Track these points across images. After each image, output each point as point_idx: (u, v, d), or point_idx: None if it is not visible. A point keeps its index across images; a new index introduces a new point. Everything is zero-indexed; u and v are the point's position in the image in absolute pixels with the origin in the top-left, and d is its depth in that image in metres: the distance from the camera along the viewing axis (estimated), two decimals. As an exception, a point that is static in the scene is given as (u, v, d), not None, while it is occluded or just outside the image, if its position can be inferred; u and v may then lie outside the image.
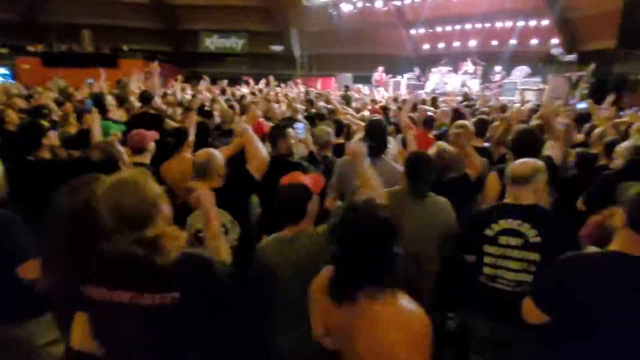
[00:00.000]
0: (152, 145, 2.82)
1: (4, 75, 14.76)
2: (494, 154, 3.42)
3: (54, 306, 1.57)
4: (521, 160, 2.01)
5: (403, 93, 13.34)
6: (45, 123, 2.73)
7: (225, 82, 9.27)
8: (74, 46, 16.11)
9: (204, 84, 6.80)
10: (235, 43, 19.67)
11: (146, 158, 2.78)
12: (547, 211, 1.99)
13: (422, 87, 15.03)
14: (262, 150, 2.32)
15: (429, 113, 4.57)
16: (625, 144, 2.68)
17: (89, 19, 17.17)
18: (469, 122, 3.37)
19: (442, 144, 2.72)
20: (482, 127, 3.64)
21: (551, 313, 1.48)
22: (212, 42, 19.71)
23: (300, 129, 3.53)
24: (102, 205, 1.23)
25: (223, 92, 8.67)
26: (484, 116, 4.22)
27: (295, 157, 3.10)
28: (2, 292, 1.73)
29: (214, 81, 12.64)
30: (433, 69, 15.53)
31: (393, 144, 3.56)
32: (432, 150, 2.62)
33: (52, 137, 2.68)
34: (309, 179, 1.83)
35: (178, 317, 1.26)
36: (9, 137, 3.64)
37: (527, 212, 1.90)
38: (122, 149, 2.47)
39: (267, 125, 3.76)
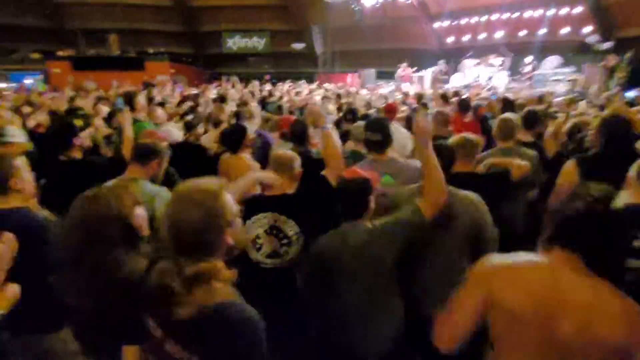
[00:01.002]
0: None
1: (35, 77, 15.31)
2: (549, 150, 3.03)
3: (74, 319, 1.41)
4: None
5: (427, 87, 13.05)
6: (79, 122, 2.73)
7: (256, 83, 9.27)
8: (102, 50, 16.59)
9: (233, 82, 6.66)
10: (257, 42, 19.77)
11: None
12: None
13: (447, 82, 14.65)
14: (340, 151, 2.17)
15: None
16: None
17: (115, 23, 17.63)
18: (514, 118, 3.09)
19: (467, 134, 2.47)
20: (532, 120, 3.29)
21: None
22: (234, 43, 19.89)
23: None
24: (164, 218, 1.06)
25: (252, 94, 8.64)
26: (533, 107, 3.89)
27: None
28: (38, 301, 1.64)
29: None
30: (466, 62, 15.03)
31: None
32: (453, 139, 2.38)
33: (85, 138, 2.66)
34: (368, 174, 1.78)
35: None
36: (40, 138, 3.68)
37: None
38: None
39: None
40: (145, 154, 2.07)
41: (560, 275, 1.07)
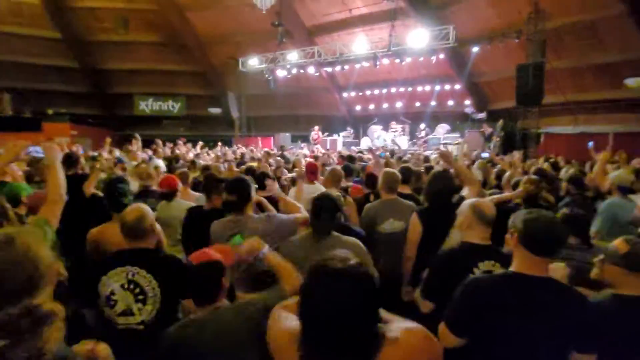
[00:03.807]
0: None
1: None
2: None
3: None
4: (487, 200, 2.05)
5: (341, 150, 14.01)
6: None
7: (159, 142, 9.10)
8: (-9, 110, 15.07)
9: (135, 144, 6.39)
10: (172, 106, 19.65)
11: (22, 210, 2.67)
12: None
13: (357, 145, 15.95)
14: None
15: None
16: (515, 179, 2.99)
17: (11, 82, 16.30)
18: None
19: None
20: (407, 175, 3.75)
21: (461, 335, 1.51)
22: (147, 105, 19.51)
23: None
24: None
25: (155, 152, 8.50)
26: (409, 164, 4.43)
27: None
28: None
29: (149, 143, 12.37)
30: (372, 127, 16.70)
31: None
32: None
33: None
34: (219, 253, 1.72)
35: None
36: None
37: (495, 253, 1.90)
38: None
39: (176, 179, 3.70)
40: None
41: None
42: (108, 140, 8.49)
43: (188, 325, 1.59)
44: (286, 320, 1.18)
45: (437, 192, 2.64)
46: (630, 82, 10.28)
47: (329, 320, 0.95)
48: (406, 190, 3.59)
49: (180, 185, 3.66)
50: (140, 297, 1.85)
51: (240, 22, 15.81)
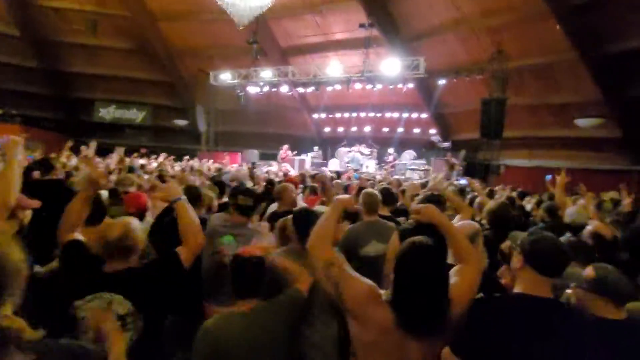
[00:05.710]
0: None
1: None
2: None
3: None
4: (462, 222, 2.07)
5: (309, 169, 14.00)
6: None
7: (121, 150, 8.64)
8: None
9: (89, 149, 5.80)
10: (135, 114, 18.94)
11: None
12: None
13: (325, 165, 16.03)
14: (199, 228, 1.97)
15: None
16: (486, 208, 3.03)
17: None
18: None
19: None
20: (388, 196, 3.69)
21: (465, 356, 1.45)
22: (107, 112, 18.67)
23: None
24: None
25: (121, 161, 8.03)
26: (389, 186, 4.42)
27: None
28: None
29: (108, 152, 11.73)
30: (341, 150, 16.89)
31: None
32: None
33: None
34: (262, 249, 1.90)
35: None
36: None
37: None
38: None
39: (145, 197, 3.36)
40: None
41: None
42: (68, 144, 8.02)
43: (230, 319, 1.68)
44: (359, 278, 1.57)
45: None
46: (581, 122, 11.13)
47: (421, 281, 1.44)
48: (385, 212, 3.55)
49: (149, 203, 3.30)
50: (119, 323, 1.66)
51: (214, 36, 15.70)
